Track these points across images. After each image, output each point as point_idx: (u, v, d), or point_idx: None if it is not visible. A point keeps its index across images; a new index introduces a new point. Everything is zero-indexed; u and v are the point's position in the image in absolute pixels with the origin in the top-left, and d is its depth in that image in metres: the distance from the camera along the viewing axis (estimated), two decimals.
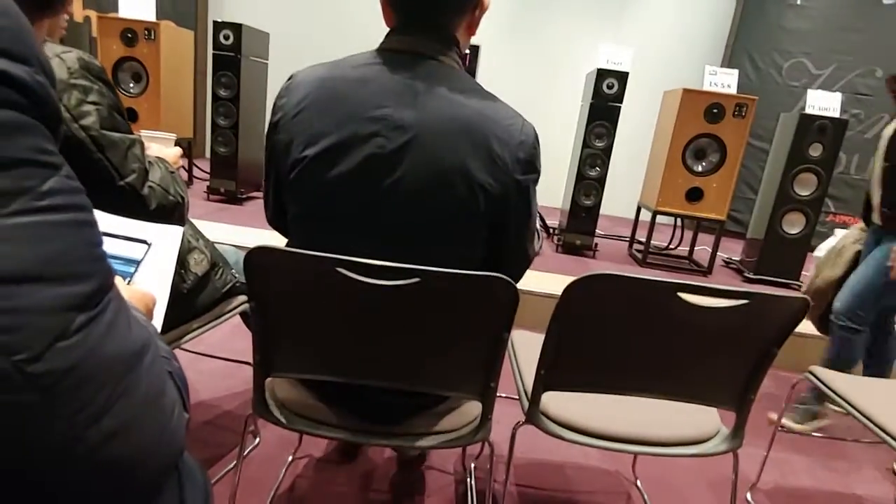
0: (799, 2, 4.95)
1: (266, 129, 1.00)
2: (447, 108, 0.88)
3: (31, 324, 0.34)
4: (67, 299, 0.36)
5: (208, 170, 4.04)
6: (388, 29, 0.96)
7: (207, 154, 4.10)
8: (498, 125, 0.90)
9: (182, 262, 1.29)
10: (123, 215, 0.91)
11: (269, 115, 1.00)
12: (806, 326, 2.77)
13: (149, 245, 0.75)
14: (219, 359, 1.96)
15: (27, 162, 0.36)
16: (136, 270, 0.73)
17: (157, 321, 0.68)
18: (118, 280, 0.65)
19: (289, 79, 0.97)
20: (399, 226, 0.90)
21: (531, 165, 0.93)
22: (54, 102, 0.38)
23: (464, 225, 0.91)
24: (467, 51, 3.80)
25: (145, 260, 0.74)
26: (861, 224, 2.11)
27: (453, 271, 0.81)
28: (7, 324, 0.33)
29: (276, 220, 1.10)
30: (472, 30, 0.99)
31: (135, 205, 1.08)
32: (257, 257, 0.82)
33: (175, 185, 1.16)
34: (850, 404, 1.43)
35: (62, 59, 1.02)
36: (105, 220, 0.77)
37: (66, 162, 0.38)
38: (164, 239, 0.77)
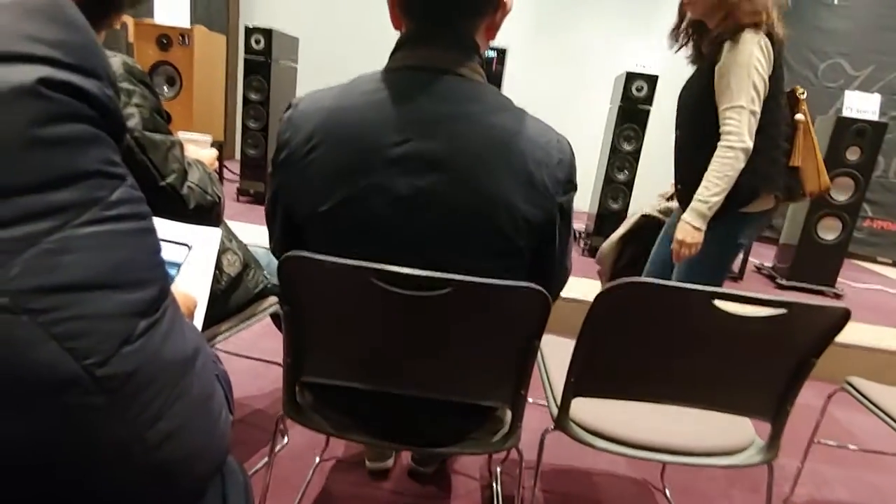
0: (836, 1, 4.81)
1: (270, 164, 0.91)
2: (477, 133, 0.80)
3: (100, 329, 0.35)
4: (132, 305, 0.37)
5: (238, 171, 4.12)
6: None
7: (237, 156, 4.18)
8: (534, 144, 0.83)
9: (216, 263, 1.32)
10: (162, 215, 0.93)
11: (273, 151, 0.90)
12: (845, 336, 2.68)
13: (189, 248, 0.77)
14: (249, 358, 1.99)
15: (98, 173, 0.37)
16: (177, 273, 0.75)
17: (198, 323, 0.70)
18: None
19: (289, 107, 0.87)
20: (434, 265, 0.81)
21: (571, 184, 0.88)
22: (120, 115, 0.40)
23: (507, 259, 0.86)
24: (493, 53, 3.79)
25: (186, 263, 0.76)
26: (664, 191, 1.98)
27: (485, 281, 0.80)
28: (78, 329, 0.35)
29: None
30: (491, 33, 0.89)
31: (175, 204, 1.11)
32: (290, 265, 0.83)
33: (212, 186, 1.20)
34: (888, 415, 1.38)
35: None
36: None
37: (129, 172, 0.40)
38: (204, 242, 0.79)
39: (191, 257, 0.77)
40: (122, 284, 0.37)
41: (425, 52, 0.84)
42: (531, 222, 0.84)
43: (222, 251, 1.35)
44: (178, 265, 0.75)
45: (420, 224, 0.82)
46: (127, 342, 0.36)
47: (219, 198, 1.20)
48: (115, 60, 1.07)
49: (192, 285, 0.73)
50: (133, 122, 1.05)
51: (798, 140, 1.67)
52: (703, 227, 1.62)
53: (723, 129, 1.57)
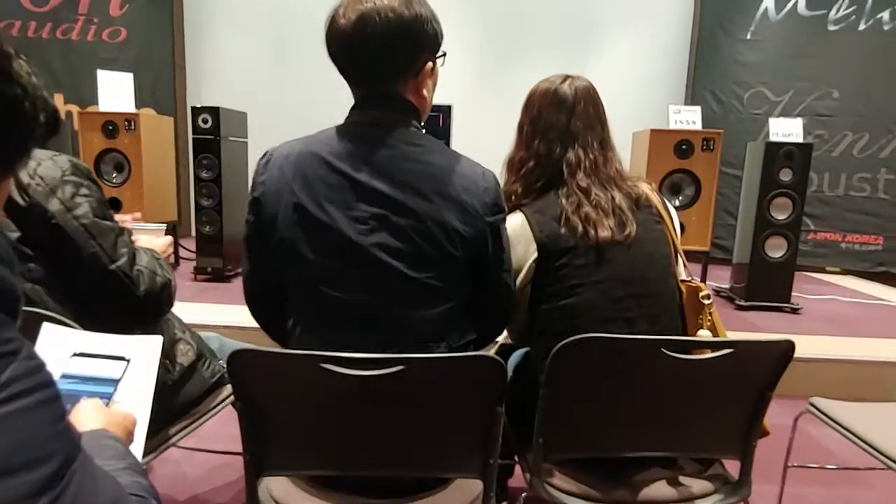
0: (748, 36, 5.20)
1: (247, 206, 1.05)
2: (416, 169, 0.98)
3: None
4: (30, 486, 0.36)
5: (194, 249, 4.05)
6: (351, 101, 1.07)
7: (193, 233, 4.12)
8: (462, 177, 1.01)
9: (167, 354, 1.29)
10: (114, 301, 0.92)
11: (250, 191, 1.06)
12: (811, 350, 2.75)
13: (127, 362, 0.75)
14: (213, 452, 1.90)
15: None
16: (115, 390, 0.72)
17: (139, 441, 0.67)
18: (97, 404, 0.65)
19: (264, 155, 1.06)
20: (388, 276, 0.97)
21: (498, 206, 1.05)
22: (12, 287, 0.39)
23: (447, 265, 1.00)
24: (434, 113, 3.92)
25: (124, 378, 0.73)
26: None
27: (436, 356, 0.81)
28: None
29: (259, 299, 1.14)
30: (420, 92, 1.06)
31: (125, 288, 1.12)
32: (238, 360, 0.82)
33: (162, 269, 1.22)
34: (853, 434, 1.41)
35: (55, 161, 1.14)
36: (82, 339, 0.77)
37: (25, 342, 0.39)
38: (143, 353, 0.77)
39: (129, 371, 0.74)
40: (18, 467, 0.35)
41: (368, 111, 1.04)
42: (464, 236, 0.99)
43: (175, 341, 1.33)
44: (115, 381, 0.72)
45: (372, 239, 0.97)
46: None
47: (169, 279, 1.20)
48: (62, 159, 1.14)
49: (131, 402, 0.70)
50: (83, 210, 1.10)
51: None
52: None
53: None
